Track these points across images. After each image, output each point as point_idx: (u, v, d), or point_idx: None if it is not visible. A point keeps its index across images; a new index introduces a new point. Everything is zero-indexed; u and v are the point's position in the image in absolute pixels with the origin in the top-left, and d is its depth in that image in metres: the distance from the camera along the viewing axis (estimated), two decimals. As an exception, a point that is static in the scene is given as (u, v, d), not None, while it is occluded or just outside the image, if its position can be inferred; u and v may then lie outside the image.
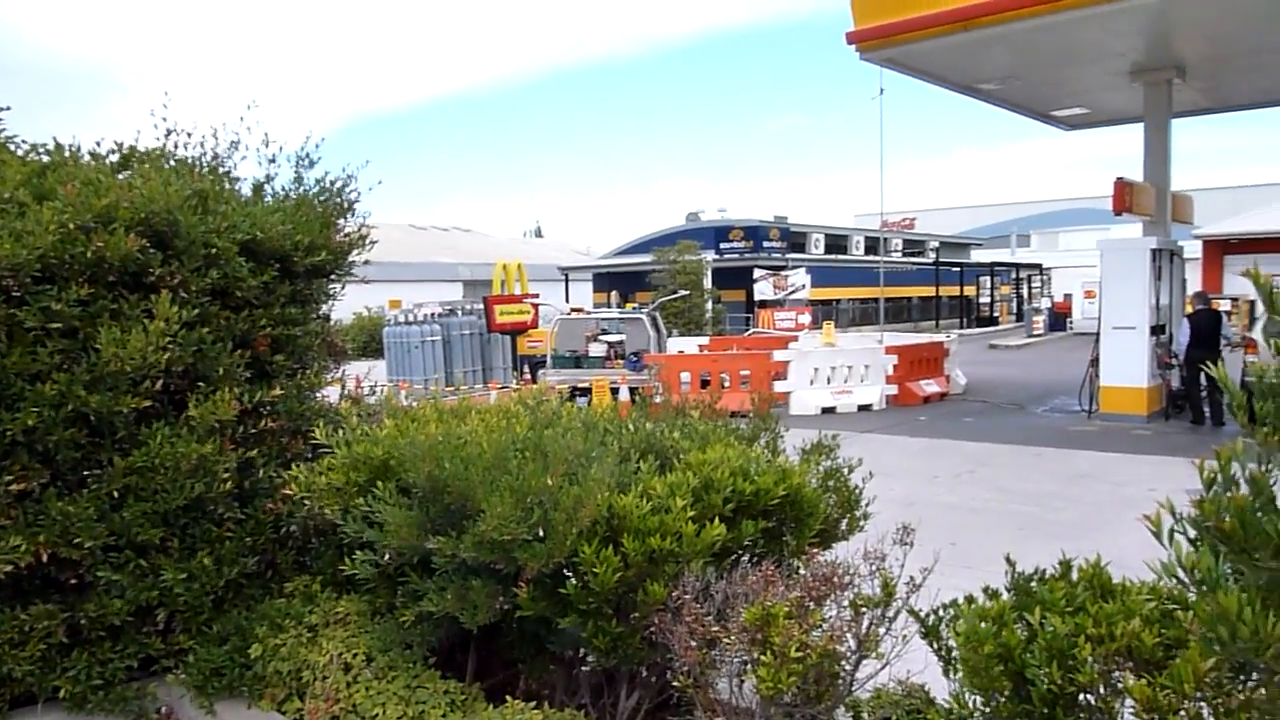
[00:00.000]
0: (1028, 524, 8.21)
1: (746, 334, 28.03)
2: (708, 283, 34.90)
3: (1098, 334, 14.82)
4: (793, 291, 32.21)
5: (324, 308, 4.65)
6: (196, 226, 3.79)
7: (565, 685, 3.46)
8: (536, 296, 22.12)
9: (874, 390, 16.67)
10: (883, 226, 31.52)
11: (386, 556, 3.26)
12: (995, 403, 17.07)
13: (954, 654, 2.47)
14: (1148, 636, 2.17)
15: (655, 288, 31.37)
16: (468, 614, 3.06)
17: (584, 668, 3.48)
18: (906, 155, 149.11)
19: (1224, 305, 21.29)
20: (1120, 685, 2.18)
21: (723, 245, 37.49)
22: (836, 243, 44.24)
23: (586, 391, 16.53)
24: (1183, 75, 15.49)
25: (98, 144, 4.22)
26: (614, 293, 27.13)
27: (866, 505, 3.86)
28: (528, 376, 19.14)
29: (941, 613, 2.70)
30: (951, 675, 2.52)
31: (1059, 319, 39.50)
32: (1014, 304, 49.22)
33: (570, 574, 3.06)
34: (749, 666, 2.68)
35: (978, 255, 54.16)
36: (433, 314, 22.75)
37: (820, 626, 2.71)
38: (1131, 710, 2.07)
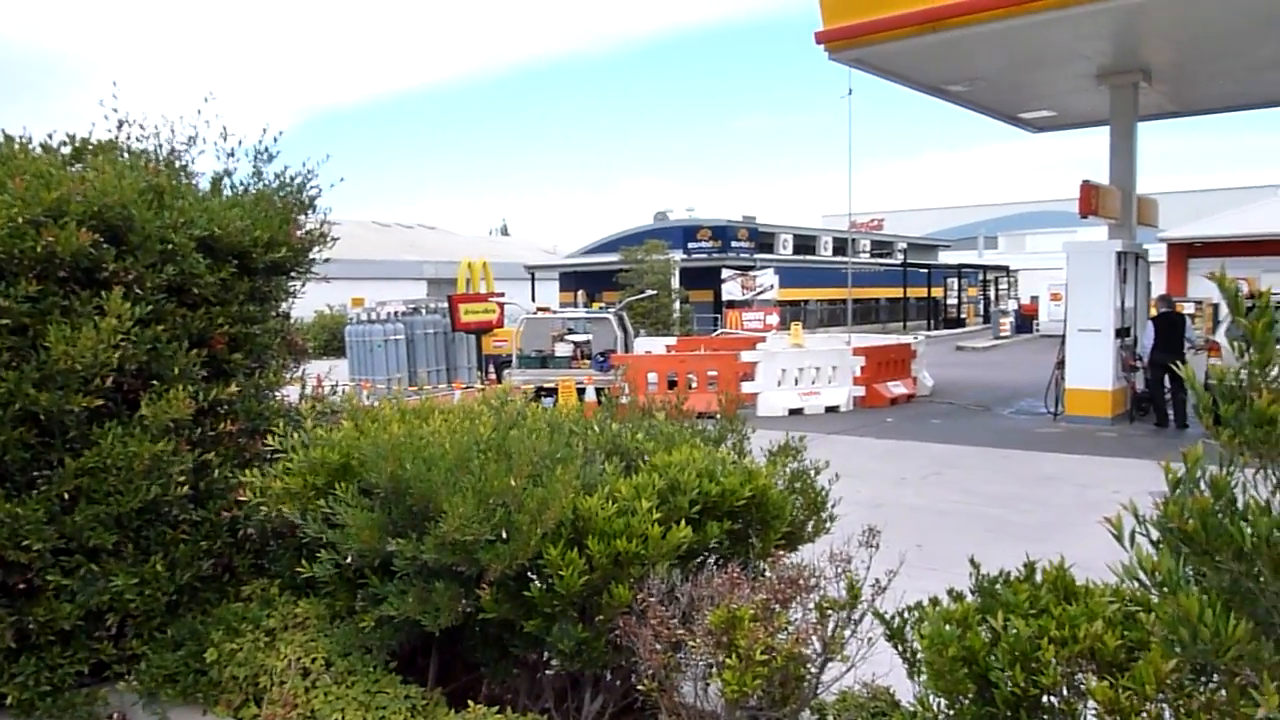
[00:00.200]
0: (993, 526, 8.31)
1: (714, 334, 28.13)
2: (675, 283, 34.97)
3: (1063, 336, 15.04)
4: (761, 292, 32.37)
5: (284, 305, 4.61)
6: (152, 221, 3.73)
7: (528, 689, 3.45)
8: (502, 295, 22.02)
9: (841, 392, 16.80)
10: (851, 227, 31.78)
11: (349, 558, 3.24)
12: (962, 404, 17.26)
13: (919, 657, 2.49)
14: (1110, 638, 2.21)
15: (622, 287, 31.38)
16: (429, 617, 3.04)
17: (548, 672, 3.47)
18: (875, 156, 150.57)
19: (1188, 308, 21.71)
20: (1083, 687, 2.22)
21: (690, 245, 37.57)
22: (805, 243, 44.53)
23: (552, 392, 16.49)
24: (1148, 79, 15.77)
25: (49, 136, 4.15)
26: (581, 292, 27.04)
27: (833, 507, 3.89)
28: (493, 376, 19.05)
29: (906, 615, 2.72)
30: (916, 678, 2.54)
31: (1026, 321, 40.08)
32: (981, 306, 49.84)
33: (534, 576, 3.05)
34: (714, 670, 2.69)
35: (945, 257, 54.79)
36: (396, 312, 22.57)
37: (786, 629, 2.73)
38: (1094, 712, 2.10)
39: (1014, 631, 2.29)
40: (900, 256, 47.00)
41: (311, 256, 4.49)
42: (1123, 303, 14.76)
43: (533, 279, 42.85)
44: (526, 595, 2.99)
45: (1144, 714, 2.02)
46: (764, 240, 40.37)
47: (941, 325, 45.06)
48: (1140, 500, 2.08)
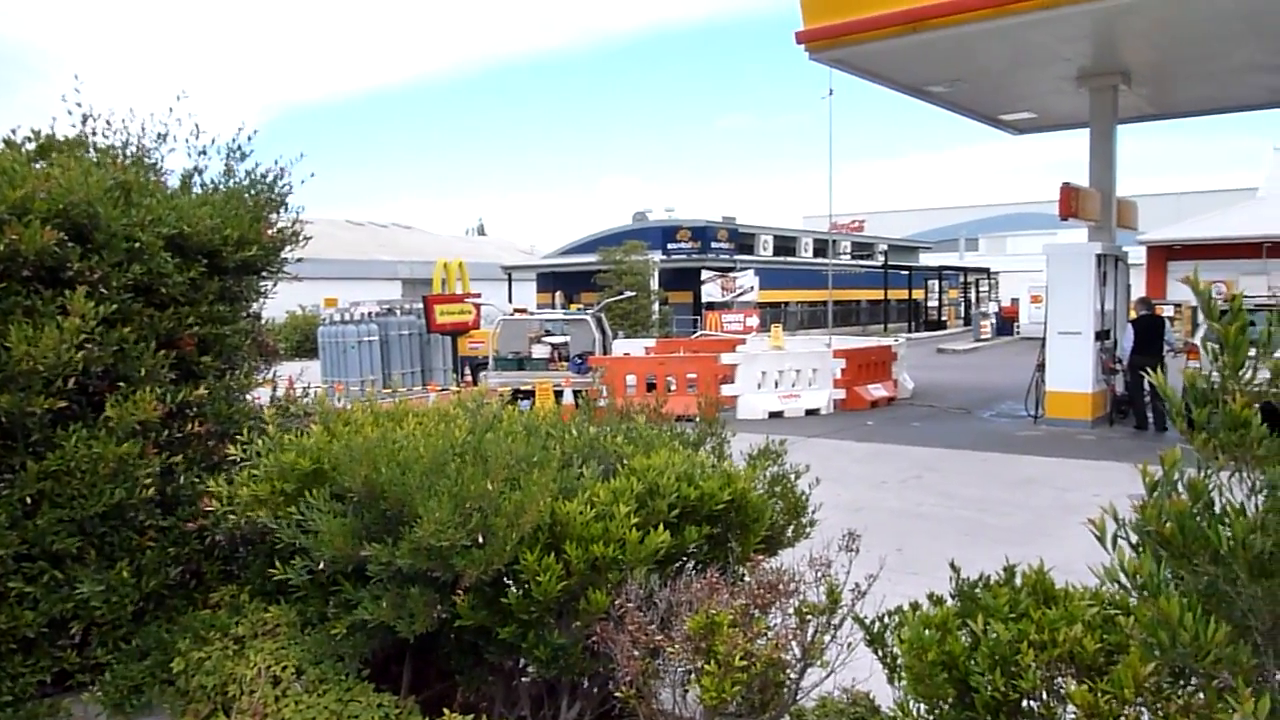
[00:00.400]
0: (974, 529, 8.38)
1: (694, 336, 28.19)
2: (654, 284, 35.00)
3: (1044, 339, 15.19)
4: (741, 293, 32.48)
5: (255, 306, 4.57)
6: (118, 219, 3.69)
7: (504, 697, 3.44)
8: (478, 296, 21.99)
9: (822, 394, 16.87)
10: (832, 228, 31.93)
11: (321, 565, 3.21)
12: (943, 407, 17.39)
13: (898, 661, 2.51)
14: (1089, 642, 2.23)
15: (601, 288, 31.38)
16: (404, 623, 3.03)
17: (524, 679, 3.47)
18: (856, 157, 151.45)
19: (1167, 311, 21.99)
20: (1063, 691, 2.24)
21: (670, 246, 37.63)
22: (785, 244, 44.72)
23: (529, 394, 16.46)
24: (1128, 81, 15.96)
25: (13, 131, 4.10)
26: (558, 293, 27.08)
27: (813, 511, 3.90)
28: (469, 379, 19.01)
29: (886, 620, 2.74)
30: (896, 683, 2.56)
31: (1006, 323, 40.43)
32: (962, 308, 50.23)
33: (511, 582, 3.05)
34: (693, 676, 2.69)
35: (926, 259, 55.19)
36: (370, 313, 22.48)
37: (765, 635, 2.74)
38: (1073, 716, 2.12)
39: (994, 636, 2.31)
40: (881, 258, 47.29)
41: (283, 255, 4.46)
42: (1102, 305, 14.92)
43: (509, 280, 42.77)
44: (503, 601, 2.99)
45: (1122, 717, 2.04)
46: (744, 241, 40.52)
47: (922, 327, 45.36)
48: (1120, 503, 2.11)
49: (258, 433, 3.62)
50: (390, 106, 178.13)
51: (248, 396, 4.32)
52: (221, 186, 4.35)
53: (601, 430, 3.87)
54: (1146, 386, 14.17)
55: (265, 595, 3.68)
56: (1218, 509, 1.95)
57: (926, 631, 2.37)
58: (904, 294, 45.88)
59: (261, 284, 4.53)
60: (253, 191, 4.34)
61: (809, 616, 2.86)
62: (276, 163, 4.42)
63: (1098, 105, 16.24)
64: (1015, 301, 42.16)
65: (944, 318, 48.33)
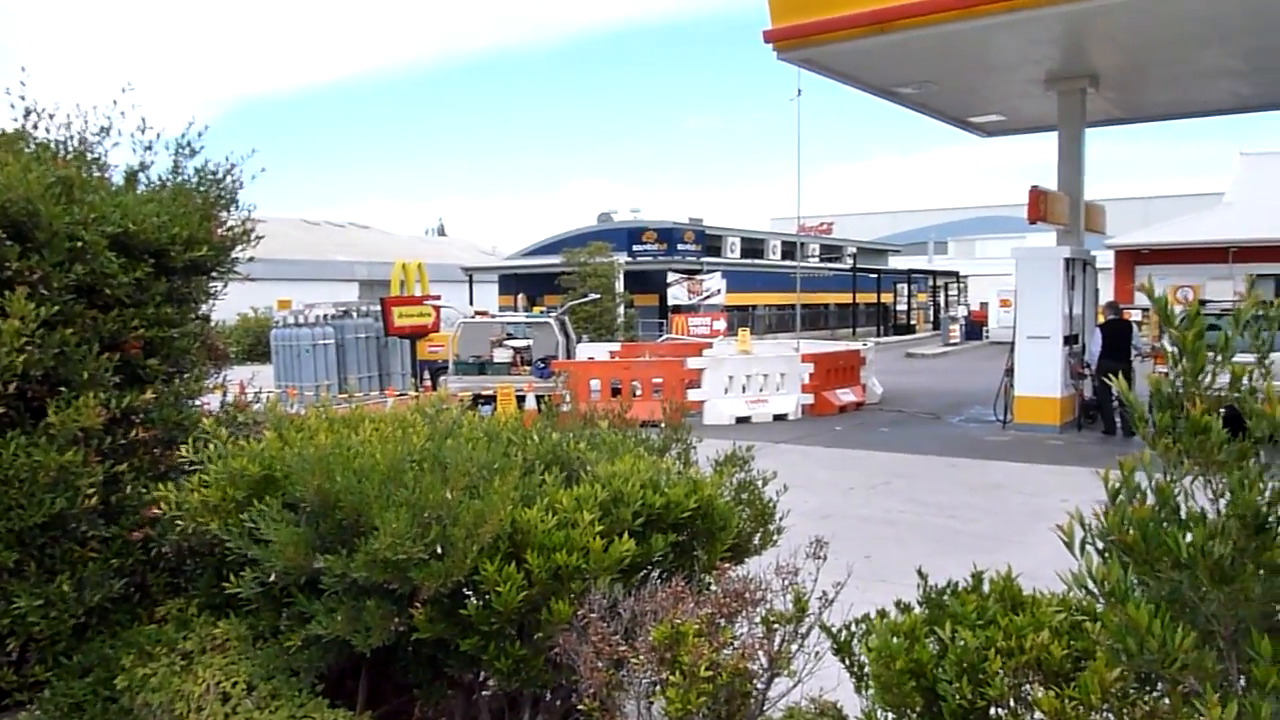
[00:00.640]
0: (942, 536, 8.47)
1: (659, 340, 28.21)
2: (620, 286, 35.02)
3: (1013, 343, 15.40)
4: (708, 296, 32.56)
5: (204, 307, 4.51)
6: (60, 217, 3.63)
7: (464, 711, 3.43)
8: (438, 298, 21.82)
9: (790, 399, 16.97)
10: (800, 231, 32.15)
11: (273, 576, 3.18)
12: (911, 412, 17.57)
13: (866, 670, 2.54)
14: (1056, 648, 2.27)
15: (565, 291, 31.36)
16: (359, 637, 3.00)
17: (485, 692, 3.45)
18: (825, 159, 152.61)
19: (1135, 315, 22.38)
20: (1030, 698, 2.27)
21: (636, 247, 37.68)
22: (753, 247, 44.95)
23: (491, 399, 16.39)
24: (1096, 85, 16.25)
25: (-53, 125, 4.01)
26: (521, 295, 26.98)
27: (780, 518, 3.93)
28: (428, 383, 18.89)
29: (854, 628, 2.76)
30: (864, 692, 2.58)
31: (975, 327, 40.96)
32: (931, 312, 50.78)
33: (471, 593, 3.03)
34: (658, 687, 2.70)
35: (895, 262, 55.75)
36: (325, 315, 22.26)
37: (731, 644, 2.75)
38: (1041, 723, 2.16)
39: (961, 643, 2.34)
40: (850, 261, 47.70)
41: (234, 255, 4.41)
42: (1071, 309, 15.16)
43: (470, 281, 42.59)
44: (463, 613, 2.97)
45: (1089, 724, 2.08)
46: (711, 243, 40.66)
47: (891, 331, 45.82)
48: (1088, 509, 2.15)
49: (205, 441, 3.57)
50: (346, 102, 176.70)
51: (197, 402, 4.26)
52: (169, 183, 4.29)
53: (565, 436, 3.87)
54: (1114, 391, 14.40)
55: (214, 609, 3.63)
56: (1184, 514, 1.99)
57: (894, 639, 2.39)
58: (873, 297, 46.32)
59: (211, 285, 4.48)
60: (202, 189, 4.29)
61: (776, 625, 2.87)
62: (227, 159, 4.37)
63: (1066, 108, 16.52)
64: (984, 305, 42.74)
65: (913, 321, 48.85)
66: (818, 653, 2.93)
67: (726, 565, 3.30)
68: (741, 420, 16.33)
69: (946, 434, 15.08)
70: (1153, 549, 1.92)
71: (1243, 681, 1.93)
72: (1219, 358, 2.03)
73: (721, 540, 3.49)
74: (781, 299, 40.88)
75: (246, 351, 30.32)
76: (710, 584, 3.23)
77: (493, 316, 22.04)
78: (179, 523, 3.39)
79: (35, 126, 4.14)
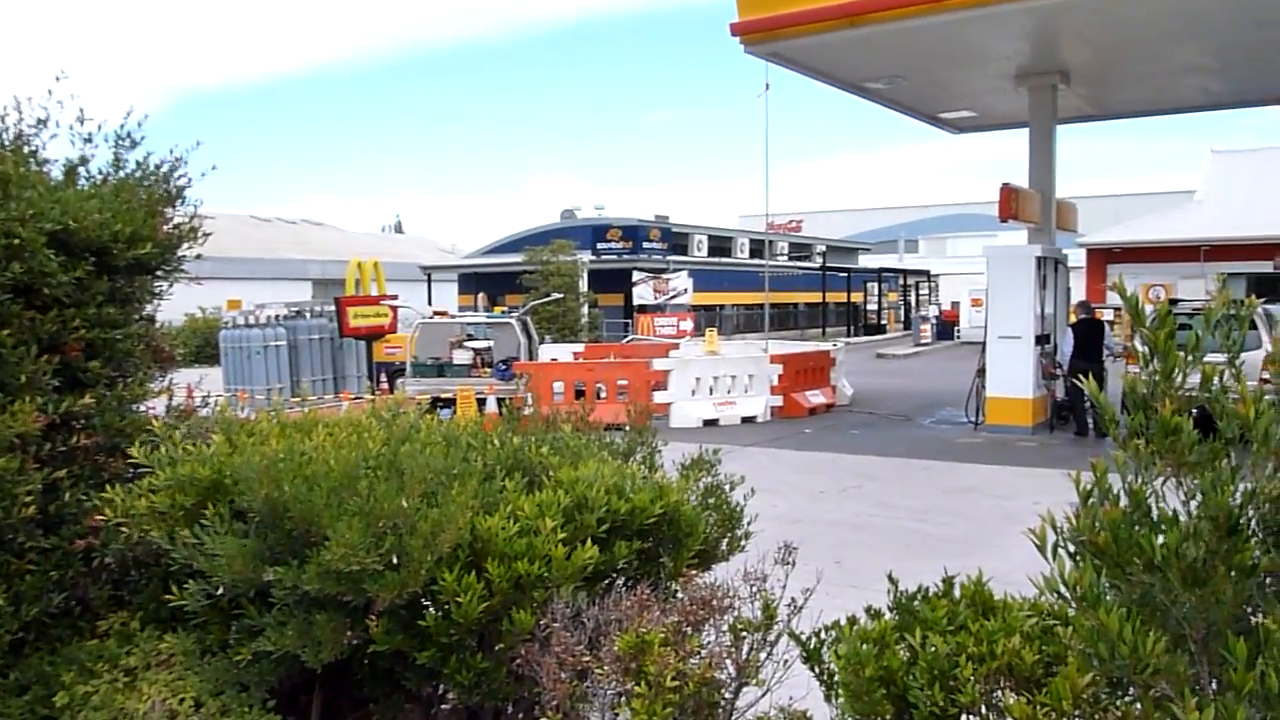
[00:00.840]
0: (914, 540, 8.54)
1: (624, 341, 28.23)
2: (584, 285, 34.99)
3: (984, 343, 15.58)
4: (674, 296, 32.64)
5: (149, 308, 4.44)
6: (-5, 213, 3.56)
7: (423, 726, 3.40)
8: (395, 298, 21.68)
9: (758, 401, 17.04)
10: (769, 229, 32.32)
11: (220, 589, 3.14)
12: (882, 414, 17.72)
13: (835, 678, 2.55)
14: (1028, 654, 2.29)
15: (527, 290, 31.25)
16: (310, 652, 2.97)
17: (444, 706, 3.43)
18: (795, 155, 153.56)
19: (1107, 315, 22.74)
20: (1002, 704, 2.30)
21: (600, 245, 37.67)
22: (720, 245, 45.11)
23: (450, 402, 16.31)
24: (1066, 81, 16.49)
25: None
26: (481, 295, 26.84)
27: (748, 523, 3.94)
28: (385, 386, 18.74)
29: (823, 635, 2.78)
30: (833, 700, 2.60)
31: (947, 327, 41.41)
32: (902, 311, 51.24)
33: (429, 603, 3.01)
34: (623, 698, 2.69)
35: (865, 260, 56.21)
36: (277, 316, 22.00)
37: (698, 653, 2.75)
38: (1012, 730, 2.18)
39: (932, 649, 2.36)
40: (819, 259, 48.02)
41: (180, 253, 4.34)
42: (1043, 309, 15.37)
43: (429, 280, 42.35)
44: (421, 624, 2.95)
45: (1061, 730, 2.10)
46: (678, 241, 40.76)
47: (861, 331, 46.19)
48: (1060, 511, 2.17)
49: (155, 444, 3.52)
50: (300, 95, 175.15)
51: (141, 407, 4.20)
52: (111, 178, 4.22)
53: (526, 441, 3.85)
54: (1086, 391, 14.62)
55: (159, 622, 3.58)
56: (1155, 516, 2.02)
57: (864, 646, 2.41)
58: (842, 297, 46.66)
59: (157, 284, 4.41)
60: (146, 184, 4.22)
61: (744, 633, 2.88)
62: (172, 152, 4.30)
63: (1037, 104, 16.75)
64: (956, 305, 43.20)
65: (884, 321, 49.26)
66: (787, 661, 2.94)
67: (693, 572, 3.31)
68: (709, 423, 16.38)
69: (917, 436, 15.23)
70: (1124, 551, 1.94)
71: (1214, 685, 1.97)
72: (1190, 358, 2.06)
73: (688, 547, 3.49)
74: (750, 298, 41.06)
75: (194, 354, 29.96)
76: (676, 591, 3.23)
77: (452, 317, 21.95)
78: (123, 530, 3.34)
79: (-31, 119, 4.06)
